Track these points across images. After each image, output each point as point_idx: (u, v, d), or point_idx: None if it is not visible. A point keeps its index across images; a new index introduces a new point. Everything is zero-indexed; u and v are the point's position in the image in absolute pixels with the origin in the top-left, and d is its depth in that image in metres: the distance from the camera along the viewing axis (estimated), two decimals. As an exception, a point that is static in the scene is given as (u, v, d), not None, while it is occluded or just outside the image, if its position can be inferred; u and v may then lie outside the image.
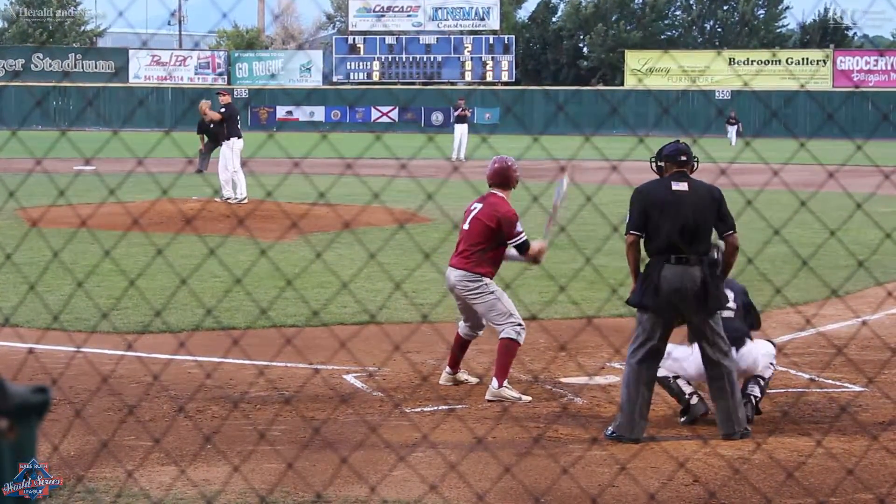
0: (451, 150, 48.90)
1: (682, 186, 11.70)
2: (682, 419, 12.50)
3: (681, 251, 11.45)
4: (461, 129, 52.03)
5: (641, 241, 11.69)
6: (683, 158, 11.98)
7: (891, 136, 49.44)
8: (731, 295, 12.36)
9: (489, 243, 13.11)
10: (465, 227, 13.23)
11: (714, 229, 11.68)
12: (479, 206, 13.32)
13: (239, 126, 30.83)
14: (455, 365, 13.60)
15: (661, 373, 12.45)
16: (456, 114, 54.02)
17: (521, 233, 13.14)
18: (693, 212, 11.56)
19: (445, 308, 14.83)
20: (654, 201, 11.64)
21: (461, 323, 13.61)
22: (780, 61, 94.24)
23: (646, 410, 11.64)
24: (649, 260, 11.61)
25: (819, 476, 10.45)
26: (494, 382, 12.96)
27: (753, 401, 12.27)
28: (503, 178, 13.41)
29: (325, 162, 33.25)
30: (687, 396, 12.42)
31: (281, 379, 13.44)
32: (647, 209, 11.69)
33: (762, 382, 12.39)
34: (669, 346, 12.19)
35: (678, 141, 12.30)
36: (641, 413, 11.73)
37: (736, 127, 72.72)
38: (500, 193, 13.33)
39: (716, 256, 11.87)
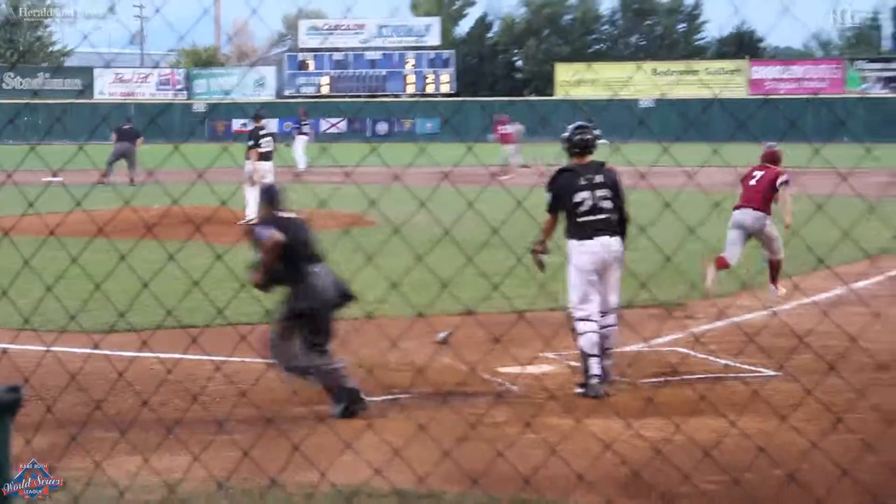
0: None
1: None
2: (579, 391, 12.99)
3: None
4: None
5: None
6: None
7: (799, 140, 49.85)
8: None
9: None
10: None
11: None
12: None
13: (260, 149, 31.30)
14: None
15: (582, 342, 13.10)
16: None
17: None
18: None
19: (391, 305, 14.86)
20: None
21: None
22: (698, 72, 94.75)
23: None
24: None
25: (735, 454, 10.56)
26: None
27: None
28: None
29: (276, 170, 33.12)
30: (592, 374, 12.96)
31: (238, 373, 13.46)
32: None
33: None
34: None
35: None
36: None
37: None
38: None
39: None
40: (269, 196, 12.77)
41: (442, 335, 15.01)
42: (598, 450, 10.47)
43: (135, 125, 46.53)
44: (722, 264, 18.66)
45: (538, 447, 10.66)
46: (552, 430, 11.39)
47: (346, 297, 12.46)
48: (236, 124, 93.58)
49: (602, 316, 13.35)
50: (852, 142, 54.93)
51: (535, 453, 10.51)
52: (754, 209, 18.46)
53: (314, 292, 12.18)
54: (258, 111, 34.24)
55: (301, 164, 51.55)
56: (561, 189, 13.31)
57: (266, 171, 30.83)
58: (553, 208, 13.34)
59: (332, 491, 9.66)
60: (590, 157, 13.51)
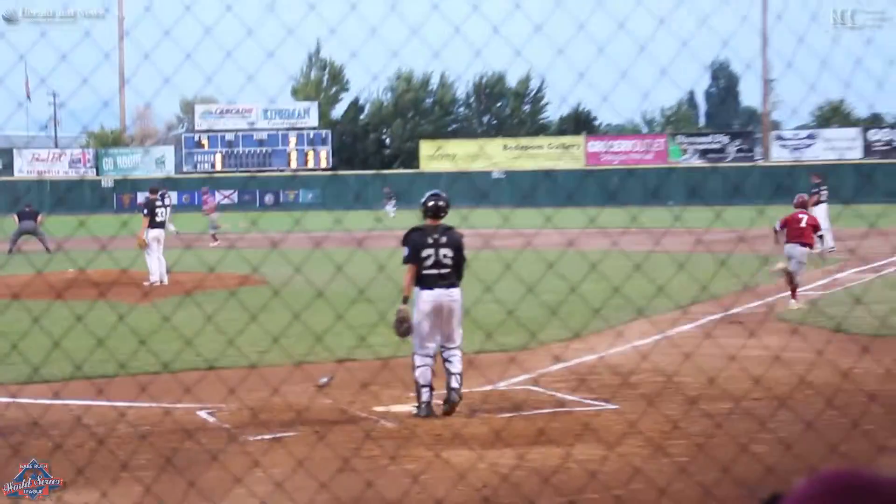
0: None
1: None
2: (414, 413, 13.60)
3: None
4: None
5: None
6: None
7: (625, 204, 50.71)
8: None
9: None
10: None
11: None
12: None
13: (156, 218, 31.18)
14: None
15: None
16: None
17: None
18: None
19: (274, 355, 14.84)
20: None
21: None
22: (542, 146, 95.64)
23: None
24: None
25: (572, 479, 10.68)
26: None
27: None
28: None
29: (176, 237, 32.92)
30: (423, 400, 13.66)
31: (140, 418, 13.36)
32: None
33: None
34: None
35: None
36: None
37: (393, 200, 73.81)
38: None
39: None
40: None
41: (324, 380, 15.03)
42: (455, 478, 10.56)
43: (34, 207, 46.69)
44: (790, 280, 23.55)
45: (404, 477, 10.71)
46: (416, 462, 11.45)
47: None
48: (140, 197, 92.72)
49: (448, 349, 13.95)
50: (674, 205, 55.92)
51: (401, 482, 10.55)
52: (802, 244, 23.64)
53: None
54: (153, 186, 34.28)
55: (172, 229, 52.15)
56: (413, 244, 13.94)
57: (159, 238, 30.90)
58: (409, 260, 13.91)
59: (224, 520, 9.65)
60: (441, 221, 14.02)
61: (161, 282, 29.89)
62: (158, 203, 31.93)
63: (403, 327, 13.89)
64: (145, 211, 31.39)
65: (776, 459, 10.34)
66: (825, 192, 39.09)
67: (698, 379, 13.21)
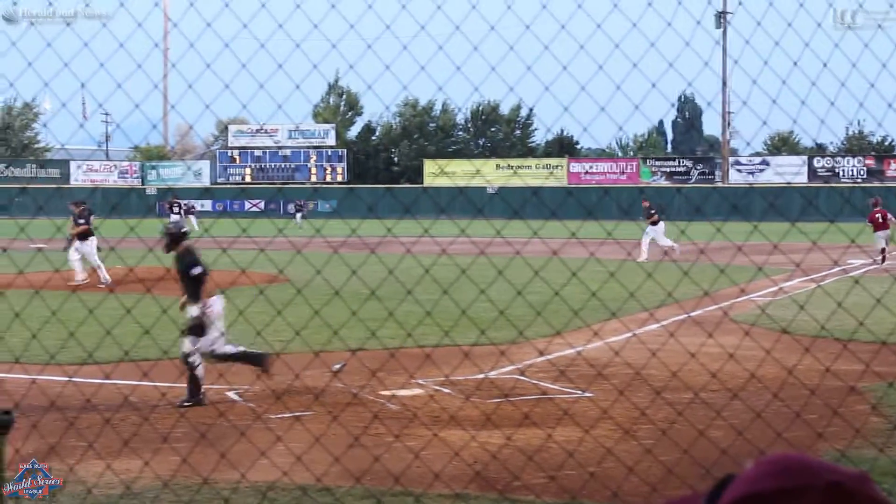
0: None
1: None
2: (187, 404, 13.23)
3: None
4: None
5: None
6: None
7: (608, 218, 51.10)
8: None
9: None
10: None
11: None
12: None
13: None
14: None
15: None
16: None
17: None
18: None
19: (296, 345, 14.86)
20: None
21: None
22: (531, 166, 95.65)
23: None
24: None
25: (552, 457, 10.71)
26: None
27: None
28: None
29: (212, 240, 32.89)
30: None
31: (179, 397, 13.37)
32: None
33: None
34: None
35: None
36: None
37: (301, 212, 74.24)
38: None
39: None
40: None
41: (337, 366, 15.03)
42: (450, 454, 10.58)
43: (89, 207, 46.78)
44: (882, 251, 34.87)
45: (407, 453, 10.73)
46: (417, 440, 11.46)
47: None
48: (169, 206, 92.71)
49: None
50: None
51: (404, 457, 10.57)
52: (885, 230, 35.58)
53: None
54: (76, 200, 33.28)
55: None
56: (201, 261, 14.14)
57: (93, 243, 30.34)
58: (206, 272, 14.06)
59: (251, 488, 9.67)
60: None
61: (87, 281, 29.19)
62: (89, 213, 31.28)
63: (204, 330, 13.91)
64: (81, 221, 30.62)
65: (729, 444, 10.36)
66: (657, 212, 40.09)
67: (663, 372, 13.22)
